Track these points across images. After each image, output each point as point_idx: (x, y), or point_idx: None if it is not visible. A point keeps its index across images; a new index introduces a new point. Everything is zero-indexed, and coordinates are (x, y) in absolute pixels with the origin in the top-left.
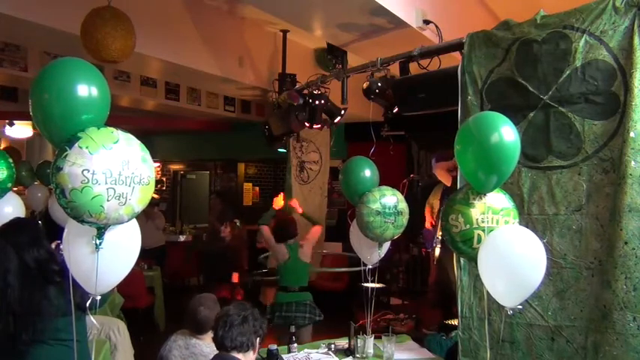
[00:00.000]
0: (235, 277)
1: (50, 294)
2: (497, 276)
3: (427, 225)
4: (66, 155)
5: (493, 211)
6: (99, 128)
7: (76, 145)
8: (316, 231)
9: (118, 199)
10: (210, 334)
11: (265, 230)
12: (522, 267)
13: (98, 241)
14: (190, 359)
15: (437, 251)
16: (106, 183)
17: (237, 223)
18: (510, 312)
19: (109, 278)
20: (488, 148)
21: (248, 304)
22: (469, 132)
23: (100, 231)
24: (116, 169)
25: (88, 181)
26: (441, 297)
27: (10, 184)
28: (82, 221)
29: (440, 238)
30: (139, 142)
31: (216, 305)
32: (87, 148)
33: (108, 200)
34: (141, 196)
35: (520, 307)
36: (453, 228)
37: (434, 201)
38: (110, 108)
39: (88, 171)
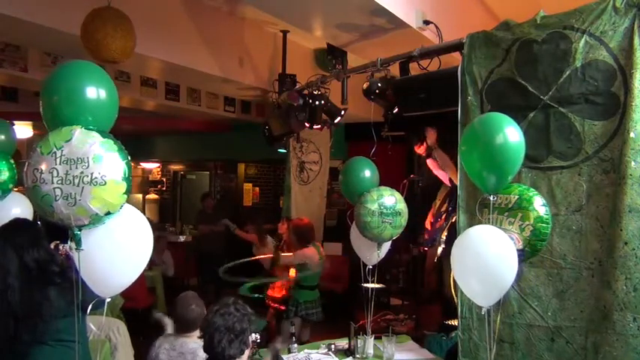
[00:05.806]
0: None
1: (51, 295)
2: (469, 275)
3: (426, 224)
4: (31, 155)
5: (499, 211)
6: (61, 128)
7: (35, 145)
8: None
9: (67, 200)
10: (197, 332)
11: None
12: (494, 267)
13: (73, 243)
14: (179, 358)
15: (439, 250)
16: (53, 182)
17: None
18: (484, 311)
19: (119, 280)
20: (494, 149)
21: (230, 300)
22: (474, 133)
23: (74, 233)
24: (62, 169)
25: (37, 181)
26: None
27: (11, 185)
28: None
29: (444, 237)
30: (101, 140)
31: (201, 301)
32: (40, 147)
33: (56, 200)
34: (94, 197)
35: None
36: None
37: (438, 200)
38: None
39: (37, 170)
